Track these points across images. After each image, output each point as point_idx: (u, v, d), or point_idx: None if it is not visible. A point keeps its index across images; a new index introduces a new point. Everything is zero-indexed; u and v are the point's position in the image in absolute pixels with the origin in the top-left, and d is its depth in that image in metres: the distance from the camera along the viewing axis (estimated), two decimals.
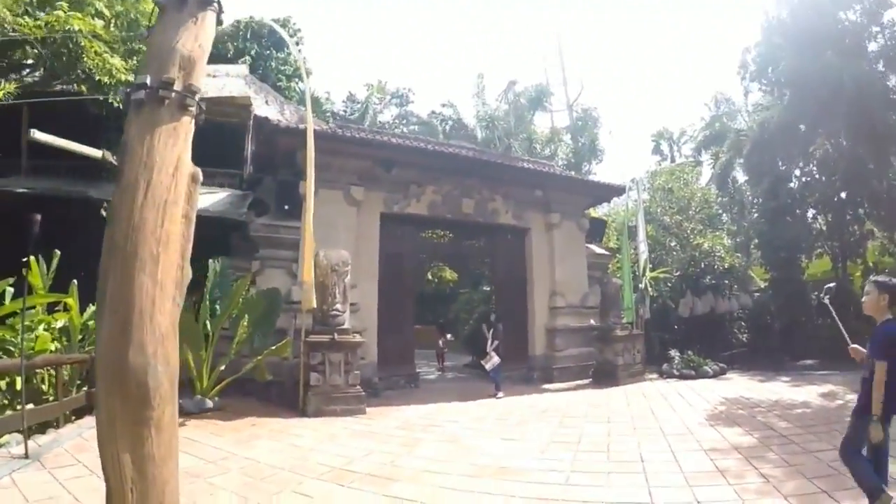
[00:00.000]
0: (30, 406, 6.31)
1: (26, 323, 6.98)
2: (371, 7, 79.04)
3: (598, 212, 24.37)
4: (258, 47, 20.88)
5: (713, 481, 5.12)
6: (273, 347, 9.29)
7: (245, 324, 9.13)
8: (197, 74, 3.16)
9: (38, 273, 7.45)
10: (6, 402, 6.35)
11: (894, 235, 17.42)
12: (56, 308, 7.94)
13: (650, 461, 5.90)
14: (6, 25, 9.68)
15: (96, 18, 10.76)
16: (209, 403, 8.66)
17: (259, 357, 9.19)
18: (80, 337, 7.96)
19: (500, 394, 11.26)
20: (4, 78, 10.88)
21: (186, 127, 3.08)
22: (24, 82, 11.36)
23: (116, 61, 10.54)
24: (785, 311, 17.08)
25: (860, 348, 4.26)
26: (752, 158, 18.72)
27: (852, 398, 9.14)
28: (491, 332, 11.99)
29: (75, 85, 10.78)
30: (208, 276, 9.42)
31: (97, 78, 10.33)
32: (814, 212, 19.76)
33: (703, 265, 18.07)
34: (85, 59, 10.21)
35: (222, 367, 9.13)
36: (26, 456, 5.49)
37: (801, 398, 9.82)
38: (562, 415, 9.12)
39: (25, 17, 10.02)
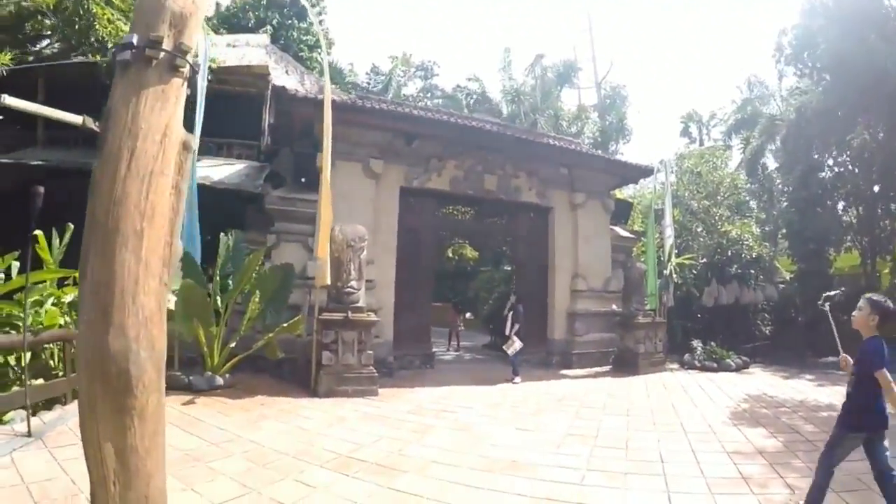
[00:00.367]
0: (39, 381, 6.21)
1: (36, 298, 6.89)
2: None
3: (624, 193, 23.80)
4: (280, 17, 20.54)
5: (737, 489, 4.80)
6: (285, 325, 9.06)
7: (256, 300, 8.91)
8: (190, 32, 2.85)
9: (46, 247, 7.31)
10: (14, 377, 6.24)
11: None
12: (66, 282, 7.82)
13: (670, 462, 5.59)
14: None
15: None
16: (219, 380, 8.51)
17: (270, 334, 8.99)
18: None
19: (517, 379, 11.00)
20: (21, 49, 10.71)
21: (177, 90, 2.78)
22: (42, 54, 11.18)
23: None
24: (810, 304, 16.36)
25: (849, 359, 4.19)
26: (787, 144, 17.98)
27: None
28: (510, 314, 11.70)
29: (90, 55, 10.55)
30: (219, 250, 9.24)
31: (110, 47, 10.10)
32: (844, 204, 19.04)
33: (729, 253, 17.47)
34: (97, 27, 9.97)
35: (232, 344, 8.96)
36: (29, 434, 5.36)
37: (826, 399, 9.39)
38: (579, 405, 8.83)
39: None
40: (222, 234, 9.47)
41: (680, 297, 15.95)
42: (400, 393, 9.28)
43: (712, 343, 14.46)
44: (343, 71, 28.91)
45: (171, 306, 8.20)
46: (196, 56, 2.83)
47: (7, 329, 6.60)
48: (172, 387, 8.08)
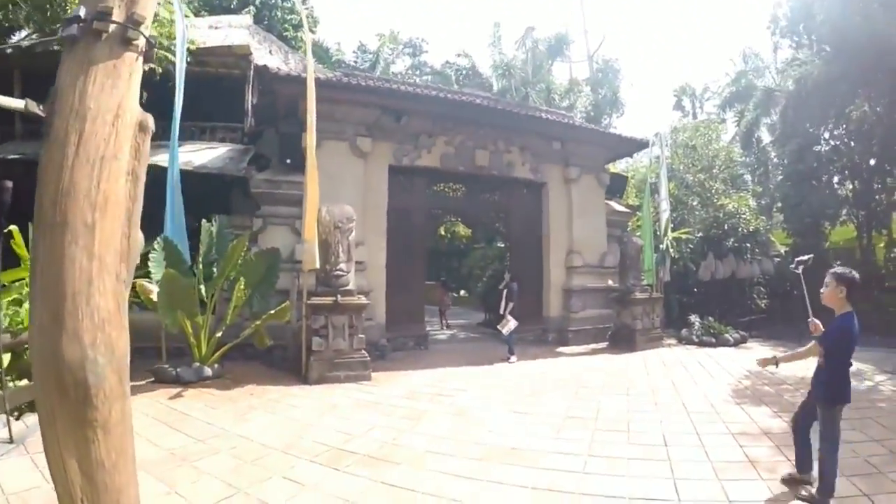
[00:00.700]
0: (24, 382, 5.94)
1: (14, 296, 6.59)
2: None
3: (618, 167, 23.55)
4: None
5: (744, 474, 4.63)
6: (272, 312, 8.81)
7: (242, 286, 8.62)
8: (144, 2, 2.55)
9: (23, 243, 7.00)
10: None
11: None
12: None
13: (674, 445, 5.41)
14: None
15: None
16: (208, 371, 8.25)
17: (258, 322, 8.73)
18: None
19: (513, 358, 10.83)
20: None
21: (130, 65, 2.49)
22: (20, 46, 10.66)
23: None
24: (806, 277, 16.30)
25: (819, 324, 4.43)
26: (786, 115, 17.68)
27: (881, 379, 8.71)
28: (505, 293, 11.48)
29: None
30: (201, 237, 8.93)
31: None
32: (839, 178, 18.90)
33: (726, 227, 17.25)
34: (70, 11, 9.47)
35: (220, 334, 8.69)
36: (11, 440, 5.10)
37: None
38: (578, 384, 8.64)
39: None
40: (204, 220, 9.15)
41: (676, 272, 15.74)
42: (394, 376, 9.07)
43: (710, 318, 14.30)
44: (330, 50, 28.30)
45: (154, 297, 7.94)
46: (150, 29, 2.52)
47: None
48: (160, 380, 7.89)
